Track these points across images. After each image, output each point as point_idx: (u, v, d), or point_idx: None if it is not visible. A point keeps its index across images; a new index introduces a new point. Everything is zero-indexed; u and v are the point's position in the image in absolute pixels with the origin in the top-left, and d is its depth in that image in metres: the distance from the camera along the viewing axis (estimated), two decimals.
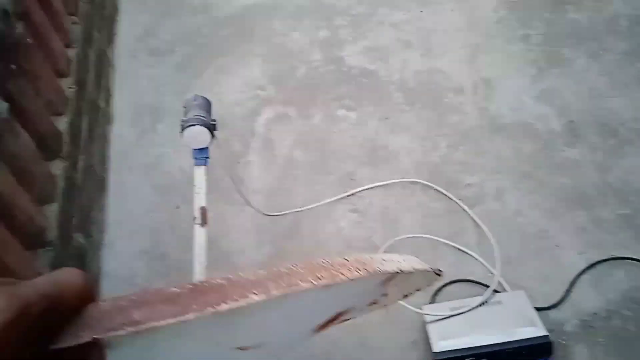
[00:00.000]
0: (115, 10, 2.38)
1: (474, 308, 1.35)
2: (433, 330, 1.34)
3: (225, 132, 1.93)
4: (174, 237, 1.69)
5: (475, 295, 1.42)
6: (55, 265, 1.36)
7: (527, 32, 2.13)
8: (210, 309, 0.33)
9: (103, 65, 2.06)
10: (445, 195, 1.68)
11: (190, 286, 0.34)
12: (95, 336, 0.31)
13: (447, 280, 1.50)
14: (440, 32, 2.20)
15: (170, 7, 2.43)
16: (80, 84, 1.78)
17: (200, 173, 1.18)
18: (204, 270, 1.11)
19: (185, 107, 1.22)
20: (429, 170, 1.76)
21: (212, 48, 2.25)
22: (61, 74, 1.71)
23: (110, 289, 1.59)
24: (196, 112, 1.16)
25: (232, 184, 1.78)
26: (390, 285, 0.56)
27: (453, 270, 1.52)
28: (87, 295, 0.32)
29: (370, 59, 2.15)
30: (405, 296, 0.89)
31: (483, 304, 1.36)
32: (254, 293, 0.36)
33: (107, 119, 1.97)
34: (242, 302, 0.36)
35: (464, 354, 1.25)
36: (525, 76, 1.99)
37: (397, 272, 0.49)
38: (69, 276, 0.31)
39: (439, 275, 0.61)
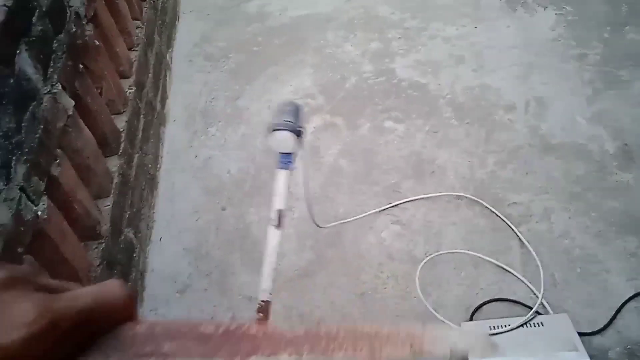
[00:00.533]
0: (175, 16, 2.48)
1: (514, 328, 1.33)
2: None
3: None
4: (219, 238, 1.74)
5: (516, 316, 1.40)
6: (105, 258, 1.42)
7: (584, 51, 2.09)
8: (237, 359, 0.33)
9: (161, 68, 2.14)
10: (492, 211, 1.66)
11: (225, 328, 0.35)
12: None
13: (488, 298, 1.48)
14: (494, 49, 2.19)
15: (227, 16, 2.51)
16: (140, 85, 1.86)
17: (282, 177, 1.17)
18: (272, 272, 1.13)
19: (277, 110, 1.22)
20: (475, 187, 1.75)
21: (265, 56, 2.31)
22: (123, 75, 1.79)
23: (154, 285, 1.65)
24: (286, 117, 1.15)
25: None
26: None
27: (494, 289, 1.51)
28: (126, 313, 0.32)
29: (421, 72, 2.15)
30: None
31: (524, 325, 1.33)
32: (286, 353, 0.36)
33: (162, 120, 2.05)
34: (270, 359, 0.35)
35: None
36: (580, 96, 1.96)
37: (446, 355, 0.46)
38: (110, 293, 0.30)
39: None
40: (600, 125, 1.85)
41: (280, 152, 1.17)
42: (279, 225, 1.15)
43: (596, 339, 1.36)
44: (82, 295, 0.29)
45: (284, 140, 1.13)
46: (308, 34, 2.39)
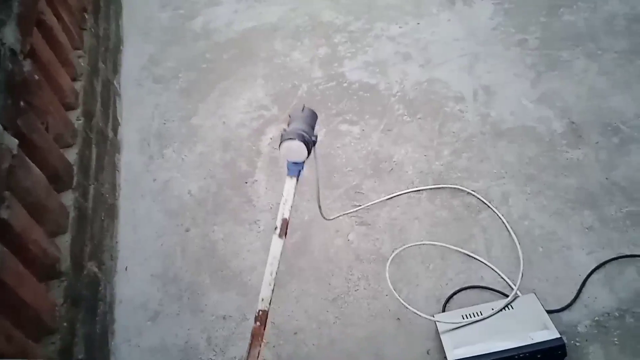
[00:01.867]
0: (119, 41, 2.44)
1: (489, 316, 1.34)
2: (447, 338, 1.34)
3: (231, 153, 1.97)
4: (186, 260, 1.72)
5: (485, 301, 1.43)
6: (69, 296, 1.38)
7: (524, 37, 2.15)
8: None
9: (110, 95, 2.11)
10: (453, 200, 1.69)
11: None
12: None
13: (457, 288, 1.50)
14: (438, 43, 2.23)
15: (173, 36, 2.49)
16: (88, 115, 1.83)
17: (290, 184, 1.13)
18: (273, 281, 1.10)
19: (290, 116, 1.18)
20: (434, 179, 1.77)
21: (215, 72, 2.30)
22: (69, 107, 1.75)
23: (124, 315, 1.62)
24: (299, 125, 1.11)
25: (240, 204, 1.81)
26: None
27: (463, 278, 1.53)
28: None
29: (370, 73, 2.18)
30: None
31: (498, 311, 1.35)
32: None
33: (116, 147, 2.01)
34: None
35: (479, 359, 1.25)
36: (525, 80, 2.01)
37: None
38: None
39: None
40: (546, 106, 1.91)
41: (289, 160, 1.12)
42: (282, 234, 1.12)
43: (565, 315, 1.40)
44: None
45: (296, 150, 1.09)
46: (256, 45, 2.39)
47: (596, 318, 1.36)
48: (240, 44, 2.41)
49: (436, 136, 1.90)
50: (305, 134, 1.09)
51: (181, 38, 2.49)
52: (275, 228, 1.11)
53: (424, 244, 1.61)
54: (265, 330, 1.04)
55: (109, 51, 2.27)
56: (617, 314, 1.35)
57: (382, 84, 2.13)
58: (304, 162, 1.14)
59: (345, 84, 2.15)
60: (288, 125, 1.15)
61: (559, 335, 1.24)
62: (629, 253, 1.48)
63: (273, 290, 1.07)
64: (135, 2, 2.70)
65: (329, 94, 2.12)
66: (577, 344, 1.30)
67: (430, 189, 1.74)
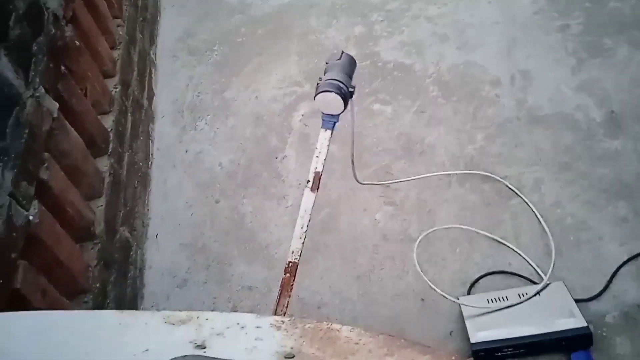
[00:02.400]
0: (157, 12, 2.46)
1: (518, 303, 1.33)
2: (471, 321, 1.34)
3: (262, 128, 1.98)
4: (214, 231, 1.75)
5: (511, 286, 1.42)
6: (102, 258, 1.43)
7: (567, 22, 2.09)
8: None
9: (146, 66, 2.13)
10: (484, 186, 1.67)
11: None
12: None
13: (484, 272, 1.49)
14: (477, 25, 2.19)
15: (208, 9, 2.50)
16: (125, 83, 1.85)
17: (324, 136, 1.10)
18: (304, 234, 1.10)
19: (327, 63, 1.13)
20: (465, 163, 1.75)
21: (250, 47, 2.30)
22: (107, 75, 1.79)
23: (153, 281, 1.66)
24: (336, 75, 1.06)
25: (269, 179, 1.83)
26: None
27: (490, 262, 1.52)
28: None
29: (405, 53, 2.15)
30: None
31: (521, 294, 1.35)
32: None
33: (150, 117, 2.04)
34: None
35: (502, 344, 1.25)
36: (565, 67, 1.96)
37: None
38: None
39: None
40: (586, 94, 1.86)
41: (325, 112, 1.09)
42: (314, 187, 1.10)
43: (593, 305, 1.38)
44: None
45: (331, 102, 1.05)
46: (291, 21, 2.38)
47: (625, 310, 1.34)
48: (276, 20, 2.40)
49: (470, 120, 1.88)
50: (342, 86, 1.05)
51: (217, 11, 2.49)
52: (308, 181, 1.09)
53: (452, 227, 1.60)
54: (293, 287, 1.06)
55: (146, 21, 2.29)
56: None
57: (418, 64, 2.10)
58: (339, 114, 1.11)
59: (379, 64, 2.13)
60: (325, 73, 1.11)
61: (585, 324, 1.23)
62: None
63: (303, 243, 1.07)
64: None
65: (363, 72, 2.10)
66: (604, 334, 1.29)
67: (461, 173, 1.73)
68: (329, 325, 0.52)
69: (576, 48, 2.00)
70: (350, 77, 1.08)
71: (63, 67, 1.43)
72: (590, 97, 1.85)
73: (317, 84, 1.05)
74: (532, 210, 1.59)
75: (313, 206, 1.10)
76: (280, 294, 1.07)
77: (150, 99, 2.10)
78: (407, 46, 2.17)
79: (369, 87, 2.05)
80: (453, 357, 0.60)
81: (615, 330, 1.29)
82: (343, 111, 1.07)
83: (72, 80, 1.49)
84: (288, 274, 1.09)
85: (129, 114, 1.84)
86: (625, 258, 1.45)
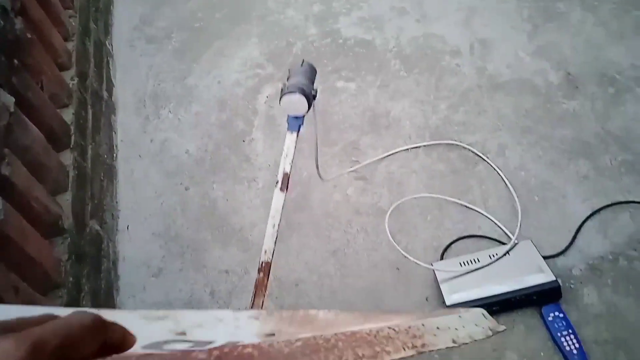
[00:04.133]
0: (110, 1, 2.40)
1: (488, 264, 1.37)
2: (445, 285, 1.37)
3: (227, 112, 1.97)
4: (186, 218, 1.73)
5: (482, 249, 1.46)
6: (73, 252, 1.40)
7: None
8: None
9: (102, 56, 2.08)
10: (450, 154, 1.70)
11: (218, 353, 0.33)
12: None
13: (455, 237, 1.53)
14: None
15: None
16: (82, 75, 1.81)
17: (291, 139, 1.15)
18: (275, 234, 1.13)
19: (289, 71, 1.18)
20: (431, 133, 1.78)
21: (209, 32, 2.27)
22: (63, 67, 1.74)
23: (128, 273, 1.64)
24: (299, 79, 1.12)
25: (238, 163, 1.82)
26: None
27: (460, 227, 1.55)
28: (100, 333, 0.32)
29: (365, 29, 2.16)
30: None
31: (492, 255, 1.38)
32: None
33: (111, 108, 2.00)
34: None
35: (476, 304, 1.29)
36: (521, 33, 2.00)
37: (452, 345, 0.45)
38: (78, 317, 0.32)
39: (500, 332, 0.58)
40: (543, 59, 1.90)
41: (290, 115, 1.13)
42: (283, 188, 1.14)
43: (560, 260, 1.43)
44: (51, 324, 0.30)
45: (296, 103, 1.09)
46: (249, 4, 2.35)
47: (590, 262, 1.39)
48: (233, 3, 2.37)
49: (433, 91, 1.90)
50: (305, 88, 1.10)
51: None
52: (277, 182, 1.13)
53: (422, 197, 1.63)
54: (269, 281, 1.07)
55: (99, 11, 2.23)
56: (611, 258, 1.38)
57: (378, 39, 2.11)
58: (303, 116, 1.15)
59: (340, 41, 2.13)
60: (288, 79, 1.16)
61: (554, 278, 1.28)
62: (622, 200, 1.51)
63: (275, 243, 1.09)
64: None
65: (324, 51, 2.11)
66: (572, 286, 1.34)
67: (427, 145, 1.75)
68: (306, 311, 0.53)
69: (531, 14, 2.04)
70: (312, 82, 1.13)
71: (16, 61, 1.39)
72: (547, 61, 1.89)
73: (281, 89, 1.10)
74: (498, 174, 1.63)
75: (283, 206, 1.12)
76: (255, 294, 1.08)
77: (110, 90, 2.05)
78: (366, 22, 2.18)
79: (331, 65, 2.05)
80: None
81: (582, 282, 1.34)
82: (307, 112, 1.11)
83: (27, 74, 1.45)
84: (262, 274, 1.09)
85: (89, 106, 1.80)
86: (588, 213, 1.50)
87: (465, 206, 1.59)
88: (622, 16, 1.96)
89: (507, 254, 1.38)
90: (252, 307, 1.10)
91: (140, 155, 1.90)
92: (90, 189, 1.63)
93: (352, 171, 1.73)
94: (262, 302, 1.12)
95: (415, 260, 1.45)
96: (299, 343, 0.34)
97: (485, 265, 1.37)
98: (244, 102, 1.99)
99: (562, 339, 1.22)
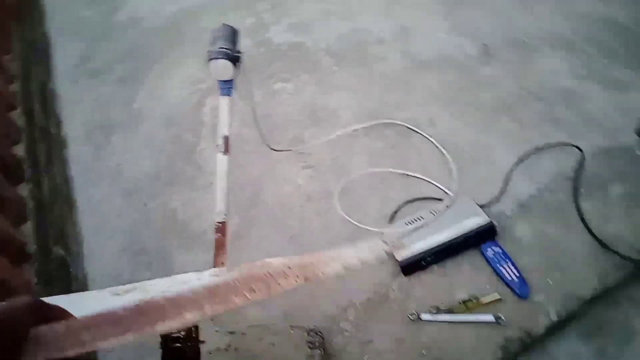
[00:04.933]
0: (47, 43, 2.48)
1: (431, 221, 1.48)
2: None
3: (176, 128, 2.05)
4: (150, 230, 1.80)
5: (426, 209, 1.57)
6: (41, 276, 1.46)
7: None
8: (148, 329, 0.40)
9: (47, 95, 2.15)
10: (392, 131, 1.83)
11: (134, 307, 0.41)
12: (48, 358, 0.37)
13: (401, 202, 1.64)
14: None
15: (101, 31, 2.54)
16: (29, 113, 1.88)
17: (224, 103, 1.17)
18: (225, 195, 1.16)
19: (212, 36, 1.19)
20: (368, 117, 1.90)
21: (148, 58, 2.36)
22: (10, 107, 1.81)
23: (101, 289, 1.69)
24: (221, 44, 1.13)
25: (192, 172, 1.90)
26: None
27: (404, 195, 1.67)
28: (39, 312, 0.37)
29: (295, 33, 2.29)
30: None
31: (434, 212, 1.50)
32: (189, 312, 0.43)
33: (62, 142, 2.07)
34: (176, 322, 0.42)
35: (424, 255, 1.40)
36: (437, 15, 2.16)
37: (342, 272, 0.54)
38: (14, 301, 0.36)
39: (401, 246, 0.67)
40: (459, 35, 2.06)
41: (220, 80, 1.15)
42: (225, 151, 1.17)
43: (495, 207, 1.56)
44: None
45: (222, 68, 1.12)
46: (183, 27, 2.46)
47: (520, 203, 1.52)
48: (169, 29, 2.48)
49: (364, 79, 2.03)
50: (229, 51, 1.14)
51: (110, 31, 2.54)
52: (217, 146, 1.16)
53: (366, 173, 1.74)
54: (227, 240, 1.14)
55: (40, 53, 2.31)
56: (537, 195, 1.51)
57: (309, 41, 2.24)
58: (233, 79, 1.19)
59: (273, 47, 2.25)
60: (210, 44, 1.17)
61: (488, 219, 1.40)
62: (543, 145, 1.65)
63: (227, 204, 1.15)
64: (59, 5, 2.72)
65: (261, 59, 2.22)
66: (506, 225, 1.46)
67: (365, 127, 1.87)
68: (262, 261, 0.60)
69: None
70: (234, 43, 1.17)
71: None
72: (464, 37, 2.06)
73: (207, 55, 1.13)
74: (432, 142, 1.76)
75: (227, 168, 1.19)
76: (216, 254, 1.15)
77: (58, 125, 2.12)
78: (296, 27, 2.31)
79: (267, 70, 2.16)
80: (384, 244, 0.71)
81: (514, 220, 1.47)
82: (236, 75, 1.16)
83: None
84: (219, 234, 1.16)
85: (39, 142, 1.86)
86: (515, 162, 1.64)
87: (407, 175, 1.71)
88: None
89: (447, 208, 1.50)
90: (214, 267, 1.16)
91: (97, 182, 1.96)
92: (51, 218, 1.69)
93: (300, 159, 1.84)
94: (224, 260, 1.17)
95: (366, 227, 1.56)
96: (201, 289, 0.43)
97: (429, 221, 1.48)
98: (190, 116, 2.08)
99: (503, 270, 1.34)
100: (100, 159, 2.03)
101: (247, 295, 0.43)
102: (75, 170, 2.02)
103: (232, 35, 1.18)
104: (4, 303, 0.34)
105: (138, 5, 2.62)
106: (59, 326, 0.38)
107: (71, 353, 0.36)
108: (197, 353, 0.95)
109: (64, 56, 2.45)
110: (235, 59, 1.14)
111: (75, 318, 0.39)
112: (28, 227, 1.55)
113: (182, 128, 2.05)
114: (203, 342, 0.97)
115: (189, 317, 0.40)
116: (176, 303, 0.41)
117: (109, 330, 0.38)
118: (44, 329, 0.38)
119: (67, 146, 2.09)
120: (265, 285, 0.44)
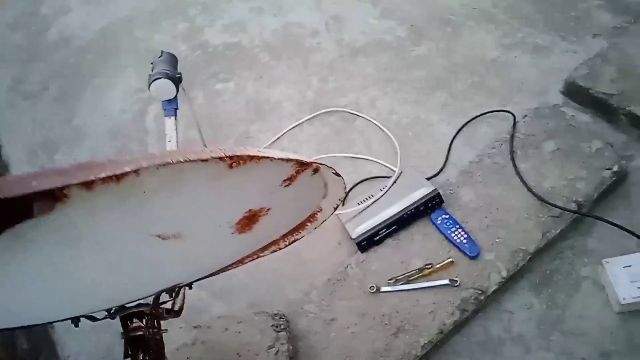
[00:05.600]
0: None
1: (380, 197, 1.54)
2: (349, 225, 1.52)
3: (121, 139, 2.04)
4: None
5: (375, 187, 1.63)
6: None
7: None
8: (91, 177, 0.45)
9: None
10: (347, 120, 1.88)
11: (78, 163, 0.46)
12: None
13: (351, 185, 1.69)
14: None
15: (30, 52, 2.49)
16: None
17: (170, 123, 1.22)
18: None
19: (152, 63, 1.24)
20: (310, 107, 1.95)
21: (84, 73, 2.33)
22: None
23: None
24: (162, 67, 1.18)
25: None
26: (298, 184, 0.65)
27: (354, 176, 1.72)
28: None
29: (230, 34, 2.31)
30: (335, 207, 1.01)
31: (383, 189, 1.56)
32: (127, 166, 0.48)
33: (3, 167, 2.02)
34: (116, 171, 0.47)
35: (377, 229, 1.45)
36: (366, 3, 2.23)
37: (258, 154, 0.59)
38: None
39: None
40: (388, 19, 2.14)
41: (163, 101, 1.20)
42: None
43: (440, 177, 1.63)
44: None
45: (164, 87, 1.16)
46: (117, 39, 2.44)
47: (462, 169, 1.59)
48: (102, 42, 2.45)
49: (303, 70, 2.08)
50: (169, 72, 1.20)
51: (40, 52, 2.49)
52: None
53: (314, 160, 1.78)
54: None
55: None
56: (477, 160, 1.59)
57: (244, 40, 2.27)
58: (176, 99, 1.24)
59: (210, 49, 2.27)
60: (152, 70, 1.24)
61: (433, 188, 1.47)
62: (478, 114, 1.74)
63: None
64: None
65: (198, 62, 2.23)
66: (451, 192, 1.53)
67: (308, 119, 1.91)
68: None
69: None
70: (175, 67, 1.23)
71: None
72: (393, 20, 2.13)
73: (149, 77, 1.19)
74: (374, 124, 1.82)
75: None
76: None
77: None
78: (230, 27, 2.33)
79: (207, 72, 2.18)
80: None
81: (459, 186, 1.54)
82: (176, 94, 1.21)
83: None
84: None
85: None
86: (454, 133, 1.72)
87: (354, 157, 1.76)
88: None
89: (394, 184, 1.56)
90: None
91: None
92: None
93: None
94: None
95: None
96: (141, 154, 0.49)
97: (378, 198, 1.54)
98: (134, 126, 2.07)
99: (453, 235, 1.41)
100: None
101: (180, 158, 0.50)
102: None
103: (172, 60, 1.24)
104: None
105: (67, 23, 2.58)
106: (10, 177, 0.44)
107: (21, 192, 0.41)
108: (160, 341, 0.96)
109: None
110: (174, 79, 1.19)
111: (27, 173, 0.44)
112: None
113: (128, 138, 2.04)
114: (165, 330, 0.99)
115: (126, 169, 0.46)
116: (115, 162, 0.47)
117: (56, 179, 0.44)
118: None
119: (10, 170, 2.04)
120: (196, 155, 0.51)
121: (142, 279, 0.82)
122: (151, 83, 1.19)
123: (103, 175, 0.47)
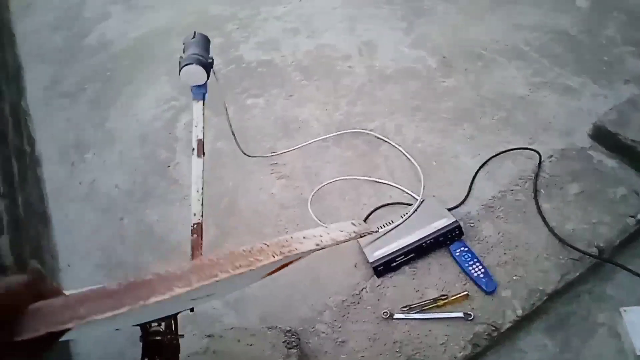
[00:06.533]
0: (19, 67, 2.49)
1: (400, 223, 1.55)
2: (367, 248, 1.54)
3: (150, 145, 2.09)
4: (126, 246, 1.82)
5: (396, 213, 1.64)
6: None
7: None
8: (141, 302, 0.42)
9: (19, 116, 2.16)
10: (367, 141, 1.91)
11: (126, 283, 0.43)
12: (49, 330, 0.39)
13: (372, 209, 1.70)
14: (320, 14, 2.46)
15: (70, 54, 2.57)
16: (2, 133, 1.89)
17: (198, 107, 1.20)
18: (200, 197, 1.18)
19: (184, 43, 1.23)
20: (337, 128, 1.98)
21: (119, 79, 2.40)
22: None
23: None
24: (193, 51, 1.16)
25: (167, 187, 1.94)
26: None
27: (375, 200, 1.74)
28: (35, 288, 0.39)
29: (264, 51, 2.36)
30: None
31: (403, 216, 1.57)
32: (178, 286, 0.47)
33: (36, 161, 2.08)
34: (166, 295, 0.46)
35: (395, 255, 1.46)
36: (398, 31, 2.27)
37: (316, 248, 0.59)
38: (11, 278, 0.38)
39: (370, 233, 0.71)
40: (420, 48, 2.17)
41: (192, 85, 1.19)
42: (199, 154, 1.19)
43: (461, 209, 1.64)
44: None
45: (195, 73, 1.15)
46: (153, 48, 2.51)
47: (484, 203, 1.60)
48: (138, 50, 2.53)
49: (332, 92, 2.11)
50: (201, 57, 1.19)
51: (79, 54, 2.57)
52: (193, 149, 1.20)
53: (336, 181, 1.81)
54: (202, 240, 1.18)
55: (10, 77, 2.32)
56: (500, 196, 1.60)
57: (277, 58, 2.32)
58: (205, 84, 1.23)
59: (243, 65, 2.32)
60: (184, 52, 1.24)
61: (454, 219, 1.48)
62: (503, 149, 1.75)
63: (202, 205, 1.19)
64: (26, 30, 2.74)
65: (231, 76, 2.29)
66: (472, 225, 1.54)
67: (334, 135, 1.94)
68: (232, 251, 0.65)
69: (404, 14, 2.33)
70: (207, 51, 1.22)
71: None
72: (424, 50, 2.16)
73: (179, 61, 1.18)
74: (399, 150, 1.84)
75: (203, 170, 1.22)
76: (192, 254, 1.19)
77: (32, 144, 2.13)
78: (264, 45, 2.39)
79: (239, 87, 2.23)
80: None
81: (479, 220, 1.55)
82: (207, 80, 1.21)
83: None
84: (195, 235, 1.20)
85: (14, 160, 1.87)
86: (478, 166, 1.73)
87: (376, 181, 1.78)
88: (478, 2, 2.27)
89: (415, 212, 1.57)
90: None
91: (72, 199, 1.98)
92: (27, 234, 1.69)
93: (273, 170, 1.89)
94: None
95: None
96: (189, 266, 0.47)
97: (399, 224, 1.55)
98: (164, 133, 2.12)
99: (470, 268, 1.41)
100: (75, 177, 2.05)
101: (230, 270, 0.48)
102: (50, 188, 2.03)
103: (204, 43, 1.24)
104: (1, 280, 0.36)
105: (106, 29, 2.67)
106: (56, 301, 0.41)
107: (70, 325, 0.39)
108: (177, 346, 0.98)
109: (35, 79, 2.46)
110: (206, 65, 1.19)
111: (71, 294, 0.41)
112: (4, 240, 1.56)
113: (157, 145, 2.09)
114: (182, 335, 1.01)
115: (178, 290, 0.44)
116: (164, 279, 0.45)
117: (105, 304, 0.41)
118: (41, 303, 0.40)
119: (41, 165, 2.10)
120: (246, 260, 0.49)
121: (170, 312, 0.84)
122: (182, 68, 1.17)
123: (153, 300, 0.44)
